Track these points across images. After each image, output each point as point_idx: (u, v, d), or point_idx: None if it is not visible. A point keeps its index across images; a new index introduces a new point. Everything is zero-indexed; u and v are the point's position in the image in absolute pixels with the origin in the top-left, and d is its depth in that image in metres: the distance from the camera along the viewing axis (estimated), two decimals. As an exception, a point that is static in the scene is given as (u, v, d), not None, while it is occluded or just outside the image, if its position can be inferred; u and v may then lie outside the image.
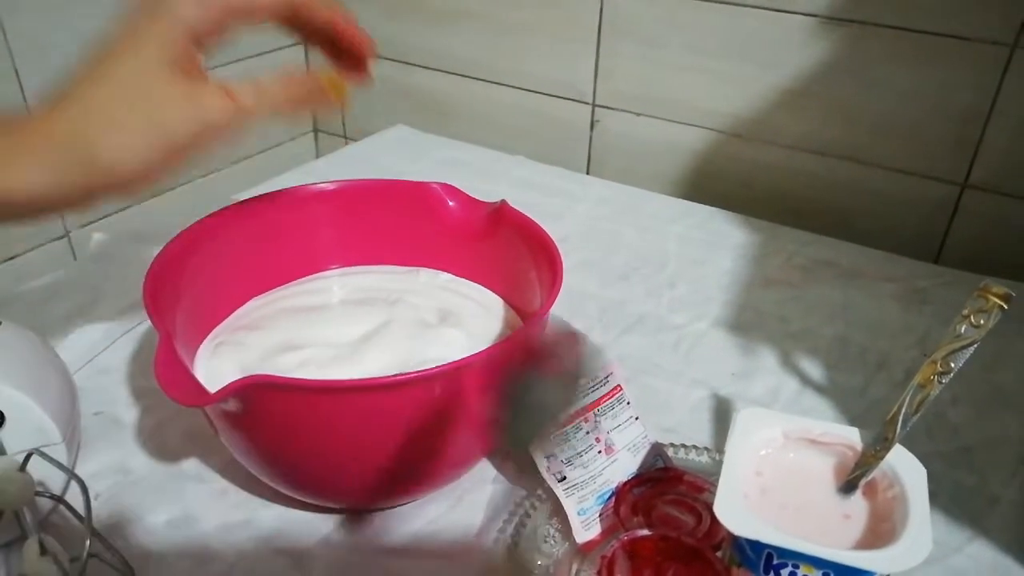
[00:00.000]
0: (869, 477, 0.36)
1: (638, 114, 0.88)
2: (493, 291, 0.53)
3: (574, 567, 0.41)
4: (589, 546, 0.42)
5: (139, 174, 0.33)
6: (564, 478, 0.43)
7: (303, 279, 0.53)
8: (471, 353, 0.38)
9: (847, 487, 0.37)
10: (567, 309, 0.64)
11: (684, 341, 0.61)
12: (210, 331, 0.49)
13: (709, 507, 0.40)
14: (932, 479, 0.48)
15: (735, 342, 0.61)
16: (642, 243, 0.75)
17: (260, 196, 0.51)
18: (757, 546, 0.34)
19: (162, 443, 0.49)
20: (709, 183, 0.86)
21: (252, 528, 0.44)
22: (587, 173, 0.93)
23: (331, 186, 0.53)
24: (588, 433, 0.44)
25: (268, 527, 0.44)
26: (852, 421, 0.53)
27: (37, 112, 0.34)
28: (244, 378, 0.34)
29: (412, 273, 0.55)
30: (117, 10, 0.37)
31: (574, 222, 0.77)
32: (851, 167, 0.79)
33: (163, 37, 0.35)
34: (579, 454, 0.43)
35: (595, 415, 0.44)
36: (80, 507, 0.35)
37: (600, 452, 0.44)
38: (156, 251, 0.44)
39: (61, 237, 0.86)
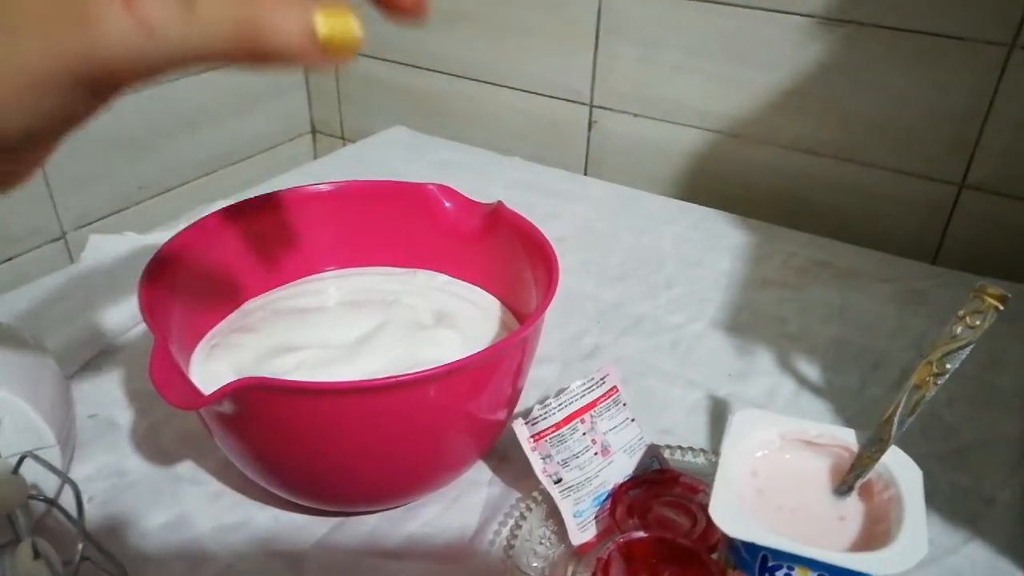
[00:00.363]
0: (865, 479, 0.36)
1: (635, 115, 0.88)
2: (490, 292, 0.53)
3: (570, 569, 0.41)
4: (585, 548, 0.42)
5: None
6: (560, 480, 0.42)
7: (299, 280, 0.53)
8: (467, 354, 0.37)
9: (843, 489, 0.37)
10: (564, 310, 0.64)
11: (681, 342, 0.61)
12: (205, 333, 0.48)
13: (705, 509, 0.40)
14: (927, 480, 0.48)
15: (732, 343, 0.61)
16: (639, 244, 0.75)
17: (256, 197, 0.51)
18: (752, 548, 0.34)
19: (157, 446, 0.49)
20: (706, 184, 0.86)
21: (247, 530, 0.44)
22: (585, 174, 0.93)
23: (327, 187, 0.53)
24: (584, 435, 0.44)
25: (263, 529, 0.44)
26: (849, 422, 0.53)
27: None
28: (238, 380, 0.34)
29: (408, 275, 0.54)
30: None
31: (571, 223, 0.77)
32: (848, 168, 0.79)
33: None
34: (575, 456, 0.43)
35: (591, 416, 0.44)
36: (74, 510, 0.35)
37: (596, 454, 0.43)
38: (152, 253, 0.44)
39: (58, 239, 0.86)
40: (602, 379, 0.45)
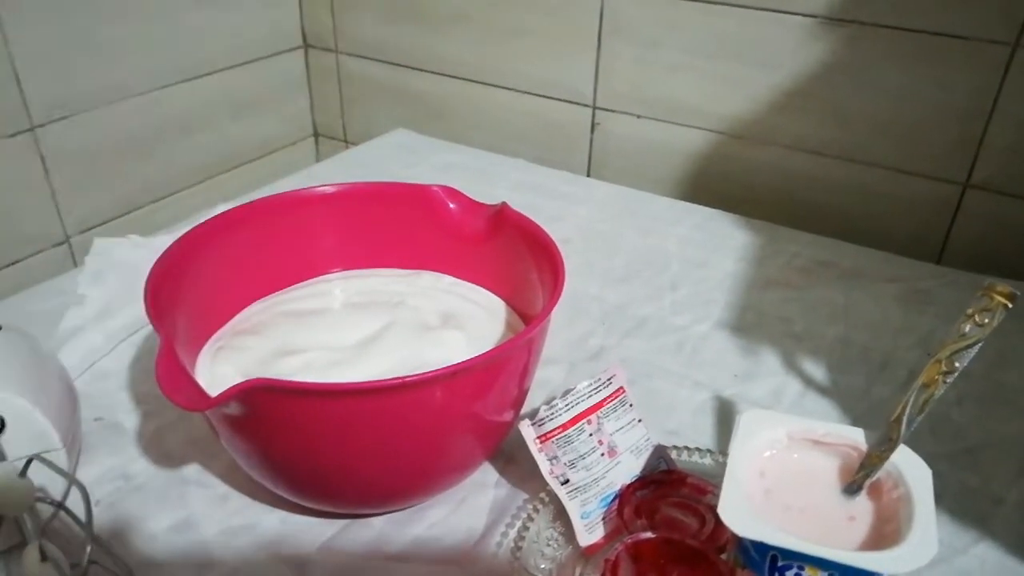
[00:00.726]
0: (874, 478, 0.36)
1: (638, 116, 0.88)
2: (495, 294, 0.53)
3: (577, 571, 0.41)
4: (592, 549, 0.42)
5: None
6: (567, 481, 0.42)
7: (304, 283, 0.53)
8: (473, 355, 0.37)
9: (852, 488, 0.37)
10: (569, 312, 0.63)
11: (686, 343, 0.61)
12: (211, 335, 0.48)
13: (713, 509, 0.40)
14: (937, 480, 0.48)
15: (737, 344, 0.61)
16: (643, 245, 0.75)
17: (260, 199, 0.51)
18: (761, 548, 0.33)
19: (163, 449, 0.49)
20: (710, 185, 0.86)
21: (254, 534, 0.44)
22: (588, 175, 0.93)
23: (332, 189, 0.53)
24: (591, 436, 0.43)
25: (270, 532, 0.44)
26: (855, 422, 0.52)
27: None
28: (245, 382, 0.34)
29: (414, 276, 0.54)
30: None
31: (575, 224, 0.77)
32: (852, 168, 0.79)
33: None
34: (582, 456, 0.43)
35: (598, 417, 0.44)
36: (81, 513, 0.35)
37: (603, 455, 0.43)
38: (156, 256, 0.44)
39: (62, 243, 0.86)
40: (608, 380, 0.45)
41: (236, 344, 0.47)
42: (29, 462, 0.35)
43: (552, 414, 0.43)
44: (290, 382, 0.35)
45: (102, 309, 0.60)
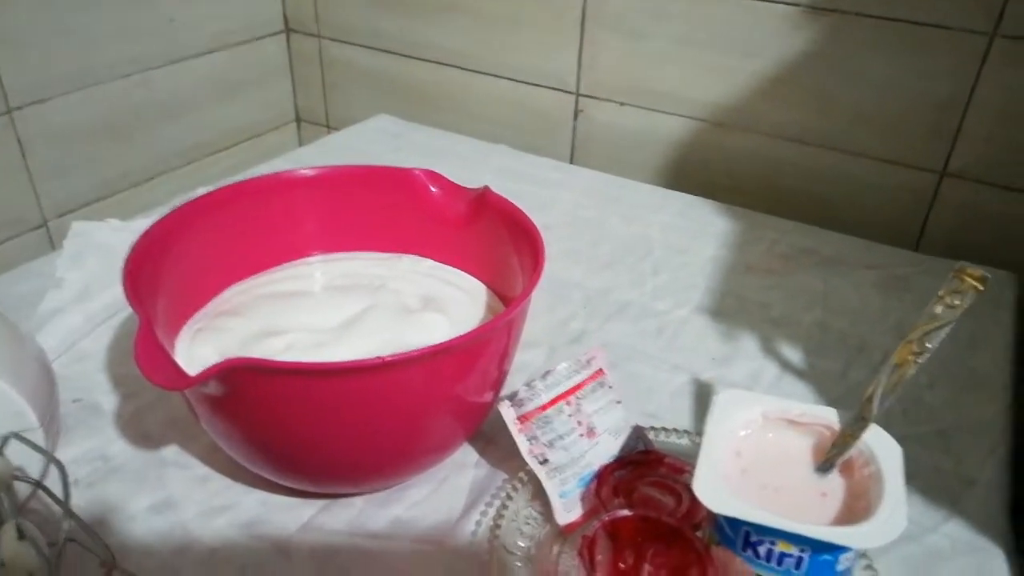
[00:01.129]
0: (846, 456, 0.37)
1: (621, 104, 0.88)
2: (476, 277, 0.53)
3: (555, 549, 0.42)
4: (571, 528, 0.42)
5: None
6: (546, 460, 0.43)
7: (285, 265, 0.53)
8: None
9: (824, 466, 0.37)
10: (552, 297, 0.64)
11: (667, 328, 0.62)
12: (190, 317, 0.48)
13: (689, 488, 0.40)
14: (909, 462, 0.49)
15: (716, 328, 0.62)
16: (626, 232, 0.75)
17: (241, 182, 0.51)
18: (735, 523, 0.34)
19: (142, 430, 0.49)
20: (692, 172, 0.87)
21: (234, 514, 0.44)
22: (571, 162, 0.93)
23: (312, 172, 0.52)
24: (570, 416, 0.44)
25: (250, 513, 0.44)
26: (831, 404, 0.52)
27: None
28: (225, 361, 0.34)
29: (395, 259, 0.54)
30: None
31: (558, 211, 0.77)
32: (832, 156, 0.79)
33: None
34: (560, 437, 0.43)
35: (577, 398, 0.44)
36: (59, 493, 0.35)
37: (582, 435, 0.44)
38: (135, 239, 0.44)
39: (39, 227, 0.85)
40: (588, 361, 0.45)
41: (216, 325, 0.47)
42: (6, 440, 0.35)
43: (532, 395, 0.43)
44: (272, 361, 0.35)
45: (81, 291, 0.60)
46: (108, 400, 0.51)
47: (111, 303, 0.59)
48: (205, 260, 0.49)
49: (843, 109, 0.77)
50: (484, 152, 0.89)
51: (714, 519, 0.36)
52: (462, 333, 0.38)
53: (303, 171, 0.52)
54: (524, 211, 0.49)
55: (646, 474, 0.44)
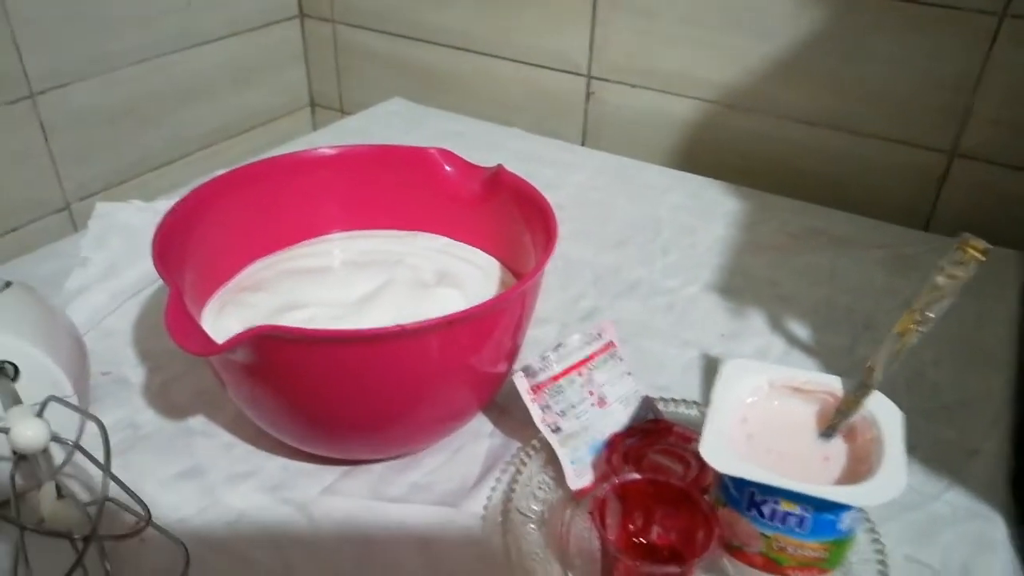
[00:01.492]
0: (849, 422, 0.38)
1: (633, 86, 0.89)
2: (490, 254, 0.55)
3: (568, 513, 0.43)
4: (582, 493, 0.44)
5: None
6: (558, 429, 0.44)
7: (305, 242, 0.55)
8: (469, 308, 0.39)
9: (828, 432, 0.39)
10: (563, 276, 0.65)
11: (676, 305, 0.63)
12: (214, 292, 0.50)
13: (697, 455, 0.42)
14: (913, 434, 0.50)
15: (725, 305, 0.63)
16: (636, 212, 0.76)
17: (262, 161, 0.52)
18: (740, 484, 0.35)
19: (169, 401, 0.51)
20: (703, 153, 0.87)
21: (258, 479, 0.46)
22: (583, 144, 0.94)
23: (332, 151, 0.54)
24: (582, 386, 0.45)
25: (274, 478, 0.46)
26: (837, 378, 0.54)
27: None
28: (253, 328, 0.36)
29: (411, 237, 0.56)
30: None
31: (570, 192, 0.79)
32: (842, 136, 0.80)
33: None
34: (572, 406, 0.45)
35: (588, 369, 0.46)
36: (97, 454, 0.37)
37: (593, 404, 0.45)
38: (157, 219, 0.45)
39: (62, 209, 0.87)
40: (599, 334, 0.47)
41: (241, 300, 0.48)
42: (45, 403, 0.37)
43: (544, 366, 0.45)
44: (296, 328, 0.36)
45: (106, 270, 0.62)
46: (135, 373, 0.53)
47: (135, 281, 0.61)
48: (229, 237, 0.50)
49: (853, 90, 0.77)
50: (497, 134, 0.90)
51: (720, 481, 0.37)
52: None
53: (323, 150, 0.54)
54: (536, 188, 0.50)
55: (655, 442, 0.45)
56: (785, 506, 0.35)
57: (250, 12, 1.01)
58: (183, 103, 0.96)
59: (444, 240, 0.56)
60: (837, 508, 0.34)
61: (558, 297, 0.63)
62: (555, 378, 0.45)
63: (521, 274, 0.52)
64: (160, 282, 0.61)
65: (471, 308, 0.38)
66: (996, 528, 0.45)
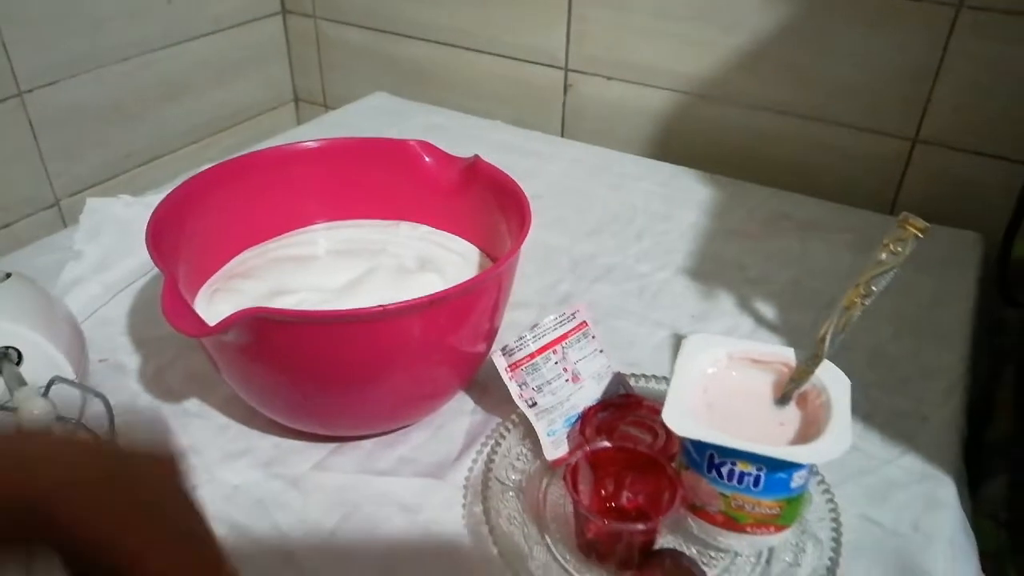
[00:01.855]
0: (801, 389, 0.41)
1: (609, 78, 0.91)
2: (469, 241, 0.57)
3: (544, 481, 0.46)
4: (558, 463, 0.47)
5: None
6: (535, 404, 0.47)
7: (291, 232, 0.57)
8: (447, 290, 0.41)
9: (782, 399, 0.42)
10: (542, 262, 0.68)
11: (649, 288, 0.66)
12: (206, 281, 0.52)
13: (665, 426, 0.45)
14: (871, 404, 0.53)
15: (696, 288, 0.66)
16: (612, 200, 0.79)
17: (250, 154, 0.54)
18: (700, 447, 0.38)
19: (164, 385, 0.53)
20: (677, 143, 0.90)
21: (252, 456, 0.48)
22: (562, 136, 0.97)
23: (315, 145, 0.56)
24: (556, 364, 0.48)
25: (267, 455, 0.48)
26: (800, 354, 0.57)
27: None
28: (243, 310, 0.38)
29: (393, 226, 0.58)
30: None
31: (548, 182, 0.81)
32: (810, 125, 0.83)
33: None
34: (548, 382, 0.47)
35: (563, 347, 0.48)
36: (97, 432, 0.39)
37: (567, 380, 0.48)
38: (146, 213, 0.47)
39: (52, 206, 0.88)
40: (572, 315, 0.50)
41: (231, 287, 0.51)
42: (50, 384, 0.39)
43: (521, 345, 0.48)
44: (284, 310, 0.39)
45: (99, 262, 0.64)
46: (131, 360, 0.55)
47: (128, 273, 0.63)
48: (218, 228, 0.53)
49: (820, 80, 0.80)
50: (478, 127, 0.92)
51: (683, 446, 0.40)
52: (456, 287, 0.42)
53: (307, 144, 0.56)
54: (511, 176, 0.52)
55: (626, 415, 0.48)
56: (741, 466, 0.37)
57: (233, 9, 1.02)
58: (169, 99, 0.98)
59: (425, 228, 0.58)
60: (788, 467, 0.37)
61: (536, 282, 0.65)
62: (531, 356, 0.48)
63: (498, 259, 0.55)
64: (150, 274, 0.64)
65: (448, 289, 0.41)
66: (946, 489, 0.48)
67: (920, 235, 0.39)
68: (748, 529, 0.39)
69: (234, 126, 1.08)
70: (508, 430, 0.48)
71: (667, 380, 0.52)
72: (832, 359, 0.42)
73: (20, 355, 0.42)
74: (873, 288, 0.40)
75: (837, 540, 0.41)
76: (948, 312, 0.64)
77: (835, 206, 0.78)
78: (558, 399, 0.47)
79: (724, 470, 0.38)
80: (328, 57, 1.10)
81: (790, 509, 0.39)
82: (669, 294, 0.65)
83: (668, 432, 0.43)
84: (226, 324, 0.38)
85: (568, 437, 0.47)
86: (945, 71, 0.75)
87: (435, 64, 1.01)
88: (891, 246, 0.40)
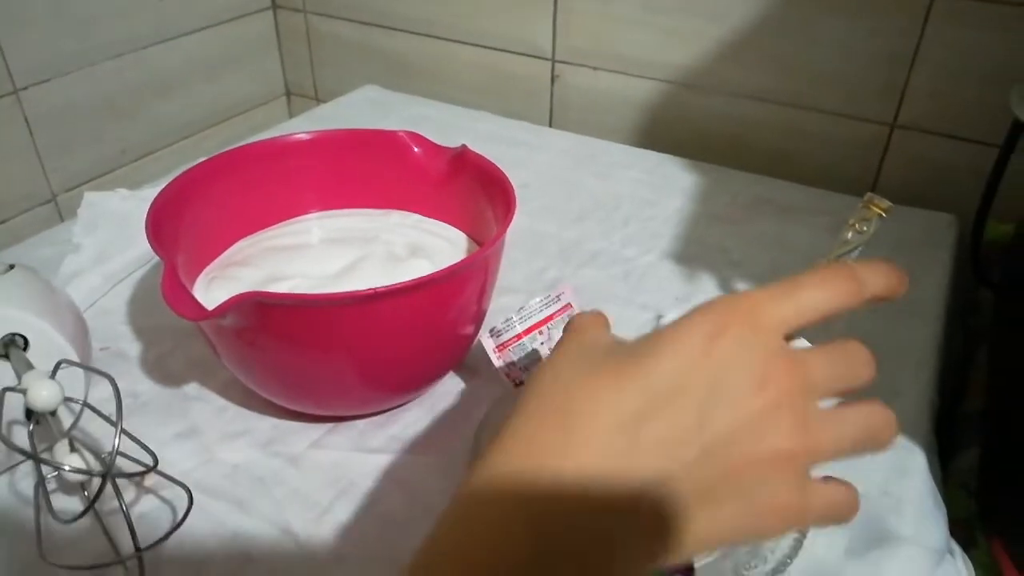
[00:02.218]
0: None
1: (595, 68, 0.93)
2: (458, 228, 0.59)
3: (532, 456, 0.48)
4: (544, 438, 0.49)
5: None
6: (521, 382, 0.49)
7: (285, 222, 0.59)
8: (437, 275, 0.43)
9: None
10: (530, 249, 0.70)
11: (634, 272, 0.68)
12: (203, 269, 0.54)
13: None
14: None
15: (679, 271, 0.68)
16: (599, 188, 0.81)
17: (244, 146, 0.56)
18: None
19: (165, 371, 0.55)
20: (662, 132, 0.92)
21: (251, 437, 0.50)
22: (550, 126, 0.98)
23: (308, 137, 0.58)
24: (543, 344, 0.50)
25: (265, 435, 0.50)
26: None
27: None
28: (239, 295, 0.40)
29: (384, 215, 0.60)
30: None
31: (536, 171, 0.83)
32: (791, 112, 0.85)
33: None
34: (534, 362, 0.49)
35: (548, 328, 0.50)
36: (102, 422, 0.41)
37: (553, 360, 0.50)
38: (143, 206, 0.48)
39: (48, 201, 0.90)
40: (557, 296, 0.52)
41: (228, 275, 0.52)
42: (57, 366, 0.41)
43: (508, 327, 0.50)
44: (279, 293, 0.41)
45: (98, 255, 0.66)
46: (132, 347, 0.57)
47: (126, 264, 0.65)
48: (214, 219, 0.54)
49: (801, 68, 0.82)
50: (467, 118, 0.94)
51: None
52: (444, 272, 0.44)
53: (299, 136, 0.58)
54: (498, 165, 0.54)
55: (610, 392, 0.50)
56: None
57: (224, 5, 1.04)
58: (161, 95, 0.99)
59: (415, 217, 0.60)
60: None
61: (525, 268, 0.67)
62: (518, 337, 0.50)
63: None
64: (148, 265, 0.65)
65: (436, 272, 0.43)
66: (916, 459, 0.51)
67: (884, 215, 0.41)
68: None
69: (227, 120, 1.09)
70: (496, 409, 0.50)
71: (649, 359, 0.54)
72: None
73: (27, 341, 0.44)
74: (840, 265, 0.42)
75: (809, 506, 0.44)
76: (922, 292, 0.66)
77: (816, 191, 0.81)
78: (544, 378, 0.49)
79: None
80: (319, 51, 1.11)
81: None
82: (654, 277, 0.67)
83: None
84: (224, 308, 0.39)
85: (554, 414, 0.49)
86: (921, 58, 0.77)
87: (424, 57, 1.03)
88: (856, 225, 0.42)
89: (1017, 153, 0.59)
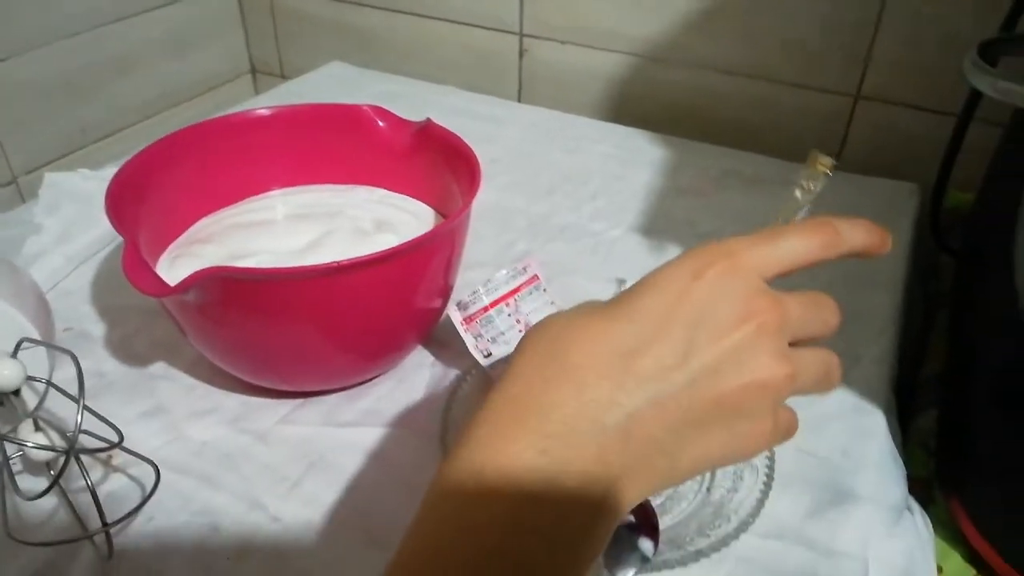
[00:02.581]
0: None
1: (563, 42, 0.93)
2: (424, 202, 0.59)
3: (500, 426, 0.49)
4: (513, 409, 0.49)
5: None
6: (490, 354, 0.49)
7: (249, 199, 0.58)
8: (402, 248, 0.43)
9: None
10: (498, 224, 0.70)
11: (602, 246, 0.68)
12: (166, 247, 0.53)
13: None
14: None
15: (647, 244, 0.69)
16: (568, 163, 0.81)
17: (204, 122, 0.55)
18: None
19: (131, 351, 0.55)
20: (631, 106, 0.92)
21: (219, 414, 0.50)
22: (519, 101, 0.98)
23: (269, 112, 0.57)
24: (510, 316, 0.50)
25: (233, 412, 0.50)
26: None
27: None
28: (202, 270, 0.39)
29: (349, 190, 0.60)
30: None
31: (504, 146, 0.83)
32: (758, 84, 0.85)
33: None
34: (502, 333, 0.50)
35: (515, 300, 0.51)
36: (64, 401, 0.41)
37: (520, 331, 0.50)
38: (105, 186, 0.47)
39: (9, 183, 0.88)
40: (524, 268, 0.52)
41: (192, 252, 0.52)
42: (19, 345, 0.40)
43: (475, 299, 0.50)
44: (242, 268, 0.40)
45: (60, 235, 0.65)
46: (96, 328, 0.57)
47: (89, 244, 0.64)
48: (176, 196, 0.54)
49: (765, 40, 0.83)
50: (435, 93, 0.93)
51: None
52: (409, 245, 0.44)
53: (261, 111, 0.57)
54: (462, 137, 0.54)
55: (577, 362, 0.51)
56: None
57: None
58: (123, 74, 0.97)
59: (381, 191, 0.60)
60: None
61: (493, 243, 0.67)
62: (485, 309, 0.50)
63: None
64: (111, 246, 0.65)
65: (400, 245, 0.43)
66: (876, 421, 0.52)
67: (828, 173, 0.42)
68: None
69: (191, 99, 1.07)
70: (466, 380, 0.50)
71: (616, 329, 0.55)
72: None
73: (-14, 322, 0.43)
74: (792, 228, 0.43)
75: (771, 468, 0.45)
76: (884, 259, 0.67)
77: (783, 163, 0.81)
78: (512, 349, 0.50)
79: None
80: (284, 27, 1.10)
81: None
82: (621, 250, 0.68)
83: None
84: (186, 284, 0.39)
85: (522, 384, 0.50)
86: (883, 27, 0.77)
87: (391, 32, 1.02)
88: (804, 184, 0.42)
89: (977, 122, 0.60)
